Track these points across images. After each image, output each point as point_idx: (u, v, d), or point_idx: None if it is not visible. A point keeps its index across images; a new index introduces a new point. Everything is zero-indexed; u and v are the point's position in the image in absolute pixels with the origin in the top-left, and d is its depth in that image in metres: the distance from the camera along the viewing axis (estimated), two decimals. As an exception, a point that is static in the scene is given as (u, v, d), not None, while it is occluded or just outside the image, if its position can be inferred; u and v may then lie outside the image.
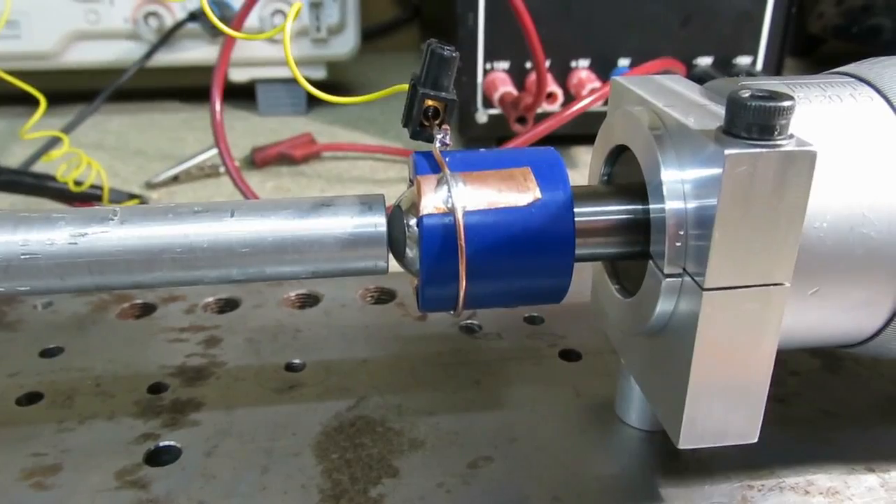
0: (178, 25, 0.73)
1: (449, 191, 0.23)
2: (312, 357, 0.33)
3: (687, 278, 0.23)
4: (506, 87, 0.65)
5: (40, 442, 0.28)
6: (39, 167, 0.58)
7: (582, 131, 0.62)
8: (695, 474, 0.27)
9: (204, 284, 0.24)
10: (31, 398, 0.30)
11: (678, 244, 0.22)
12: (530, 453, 0.28)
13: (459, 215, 0.23)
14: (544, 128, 0.47)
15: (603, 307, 0.29)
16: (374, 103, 0.86)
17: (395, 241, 0.25)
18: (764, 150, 0.20)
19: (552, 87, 0.64)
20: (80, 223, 0.23)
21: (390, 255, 0.25)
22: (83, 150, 0.54)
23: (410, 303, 0.38)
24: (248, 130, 0.77)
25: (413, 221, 0.24)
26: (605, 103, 0.56)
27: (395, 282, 0.39)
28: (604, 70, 0.67)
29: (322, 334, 0.35)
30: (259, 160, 0.67)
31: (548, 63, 0.65)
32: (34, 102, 0.47)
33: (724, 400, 0.23)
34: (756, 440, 0.24)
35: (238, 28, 0.60)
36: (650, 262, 0.24)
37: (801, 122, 0.23)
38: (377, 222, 0.24)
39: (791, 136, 0.21)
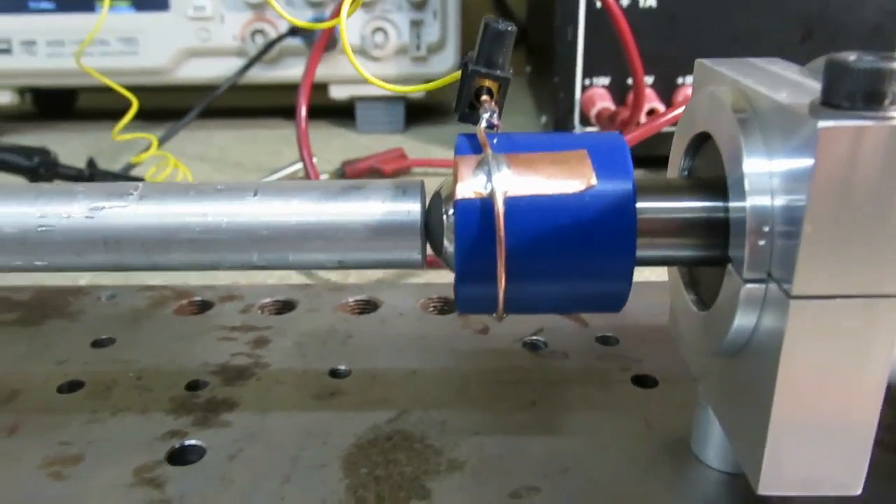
0: (278, 39, 0.74)
1: (489, 174, 0.20)
2: (359, 364, 0.31)
3: (772, 285, 0.19)
4: (604, 102, 0.61)
5: (69, 431, 0.27)
6: (138, 173, 0.60)
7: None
8: (784, 530, 0.22)
9: (224, 269, 0.22)
10: (73, 386, 0.30)
11: (762, 243, 0.19)
12: (584, 487, 0.24)
13: (499, 201, 0.20)
14: (634, 136, 0.43)
15: (679, 324, 0.25)
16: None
17: (432, 233, 0.22)
18: (870, 122, 0.16)
19: (654, 103, 0.60)
20: (99, 197, 0.21)
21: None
22: (187, 160, 0.55)
23: (474, 315, 0.35)
24: (343, 146, 0.78)
25: (450, 209, 0.21)
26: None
27: (460, 293, 0.36)
28: (713, 86, 0.62)
29: (374, 342, 0.33)
30: (349, 173, 0.66)
31: (652, 79, 0.62)
32: (147, 118, 0.48)
33: (817, 439, 0.19)
34: (859, 493, 0.19)
35: (327, 39, 0.60)
36: (729, 266, 0.20)
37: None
38: (410, 208, 0.21)
39: (907, 109, 0.17)
